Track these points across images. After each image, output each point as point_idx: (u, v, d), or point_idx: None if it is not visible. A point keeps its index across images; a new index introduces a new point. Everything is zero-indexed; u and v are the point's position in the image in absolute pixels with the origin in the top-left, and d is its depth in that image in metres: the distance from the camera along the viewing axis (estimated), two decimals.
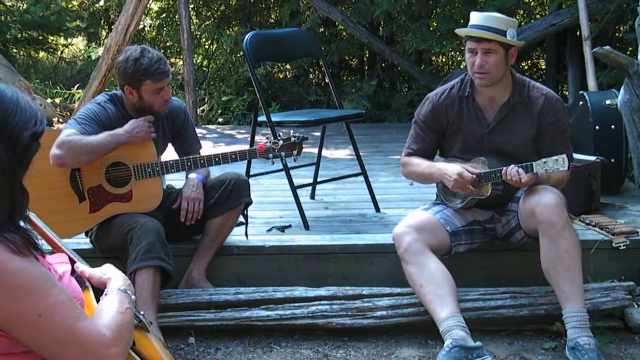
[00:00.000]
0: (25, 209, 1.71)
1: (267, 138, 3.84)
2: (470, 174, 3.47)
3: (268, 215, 4.61)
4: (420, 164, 3.68)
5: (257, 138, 4.73)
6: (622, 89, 3.79)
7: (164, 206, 3.77)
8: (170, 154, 3.98)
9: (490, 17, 3.51)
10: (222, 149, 6.48)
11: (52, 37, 12.76)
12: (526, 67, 10.53)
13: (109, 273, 1.92)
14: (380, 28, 10.64)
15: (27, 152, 1.68)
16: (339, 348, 3.52)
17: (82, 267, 1.93)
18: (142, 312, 1.97)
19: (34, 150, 1.69)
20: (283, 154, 3.79)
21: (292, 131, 3.86)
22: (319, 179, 5.06)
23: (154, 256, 3.43)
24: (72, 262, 1.93)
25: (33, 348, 1.62)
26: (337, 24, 10.28)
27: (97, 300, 1.83)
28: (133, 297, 1.86)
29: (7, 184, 1.63)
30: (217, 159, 3.74)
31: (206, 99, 10.80)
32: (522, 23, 9.06)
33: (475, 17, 3.54)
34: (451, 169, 3.52)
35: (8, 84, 2.05)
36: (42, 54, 13.40)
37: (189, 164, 3.75)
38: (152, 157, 3.70)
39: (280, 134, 3.86)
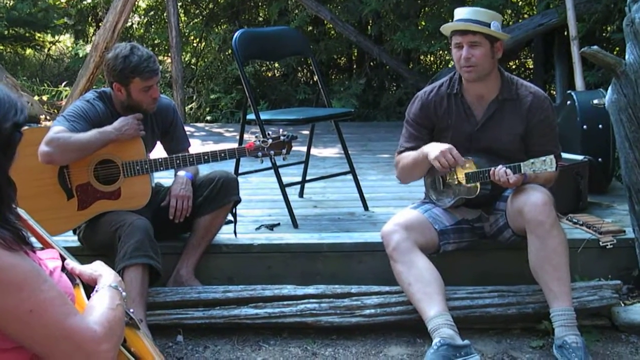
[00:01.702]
0: (13, 201, 1.69)
1: (256, 136, 3.84)
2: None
3: (257, 214, 4.61)
4: (408, 155, 3.66)
5: (246, 136, 4.73)
6: (609, 88, 3.80)
7: (153, 204, 3.76)
8: (159, 151, 3.97)
9: (474, 11, 3.54)
10: (211, 147, 6.48)
11: (39, 34, 12.68)
12: (514, 67, 10.56)
13: (100, 270, 1.91)
14: (369, 27, 10.64)
15: (10, 143, 1.66)
16: (327, 346, 3.52)
17: (72, 264, 1.92)
18: (131, 310, 1.97)
19: (16, 140, 1.67)
20: (272, 152, 3.79)
21: (281, 130, 3.86)
22: (307, 178, 5.05)
23: (143, 254, 3.42)
24: (63, 258, 1.92)
25: (24, 344, 1.62)
26: (325, 22, 10.27)
27: (88, 297, 1.83)
28: (124, 294, 1.86)
29: None
30: (206, 157, 3.73)
31: (194, 97, 10.77)
32: (510, 22, 9.08)
33: (460, 12, 3.57)
34: (438, 144, 3.49)
35: None
36: (29, 51, 13.31)
37: (177, 161, 3.74)
38: (141, 154, 3.69)
39: (270, 132, 3.86)
